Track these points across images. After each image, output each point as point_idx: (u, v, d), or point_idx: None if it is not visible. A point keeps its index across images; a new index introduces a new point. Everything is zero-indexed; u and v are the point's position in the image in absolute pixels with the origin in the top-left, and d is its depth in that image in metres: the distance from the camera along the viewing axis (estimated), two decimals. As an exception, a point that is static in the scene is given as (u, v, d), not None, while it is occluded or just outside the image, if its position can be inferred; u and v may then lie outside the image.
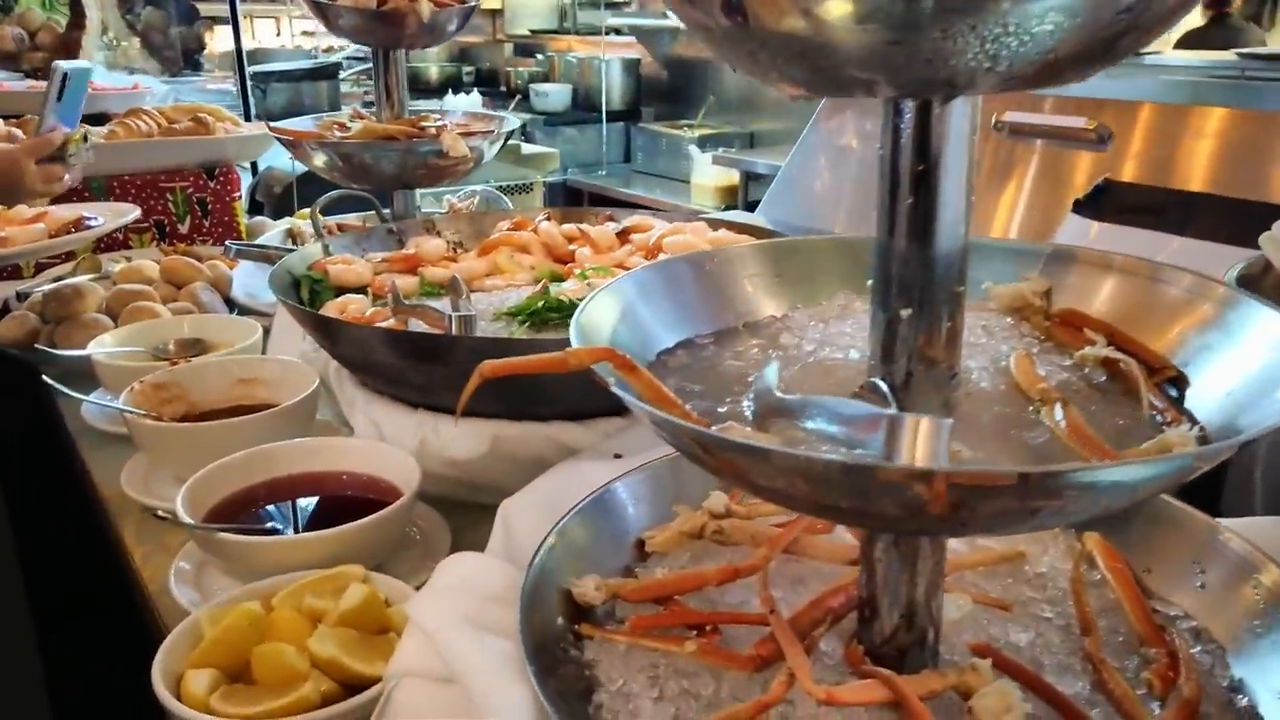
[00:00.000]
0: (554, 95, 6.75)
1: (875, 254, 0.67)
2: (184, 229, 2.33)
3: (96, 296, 1.64)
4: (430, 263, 1.50)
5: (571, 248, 1.55)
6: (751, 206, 5.43)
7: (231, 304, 1.84)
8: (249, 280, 1.95)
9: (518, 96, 6.42)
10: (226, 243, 1.80)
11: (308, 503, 1.12)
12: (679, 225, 1.54)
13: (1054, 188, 1.69)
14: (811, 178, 2.11)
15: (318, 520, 1.07)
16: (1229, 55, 3.74)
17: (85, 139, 1.76)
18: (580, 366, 0.63)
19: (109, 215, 1.76)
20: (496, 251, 1.51)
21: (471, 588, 0.85)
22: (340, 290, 1.41)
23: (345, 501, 1.11)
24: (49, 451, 1.59)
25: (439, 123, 1.84)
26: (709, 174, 5.64)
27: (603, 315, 0.78)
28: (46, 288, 1.68)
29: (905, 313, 0.66)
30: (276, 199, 2.64)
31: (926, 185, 0.63)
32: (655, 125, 6.50)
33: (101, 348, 1.47)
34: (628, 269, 1.40)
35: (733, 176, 5.48)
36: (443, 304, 1.34)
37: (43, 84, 2.05)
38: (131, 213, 1.77)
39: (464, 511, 1.18)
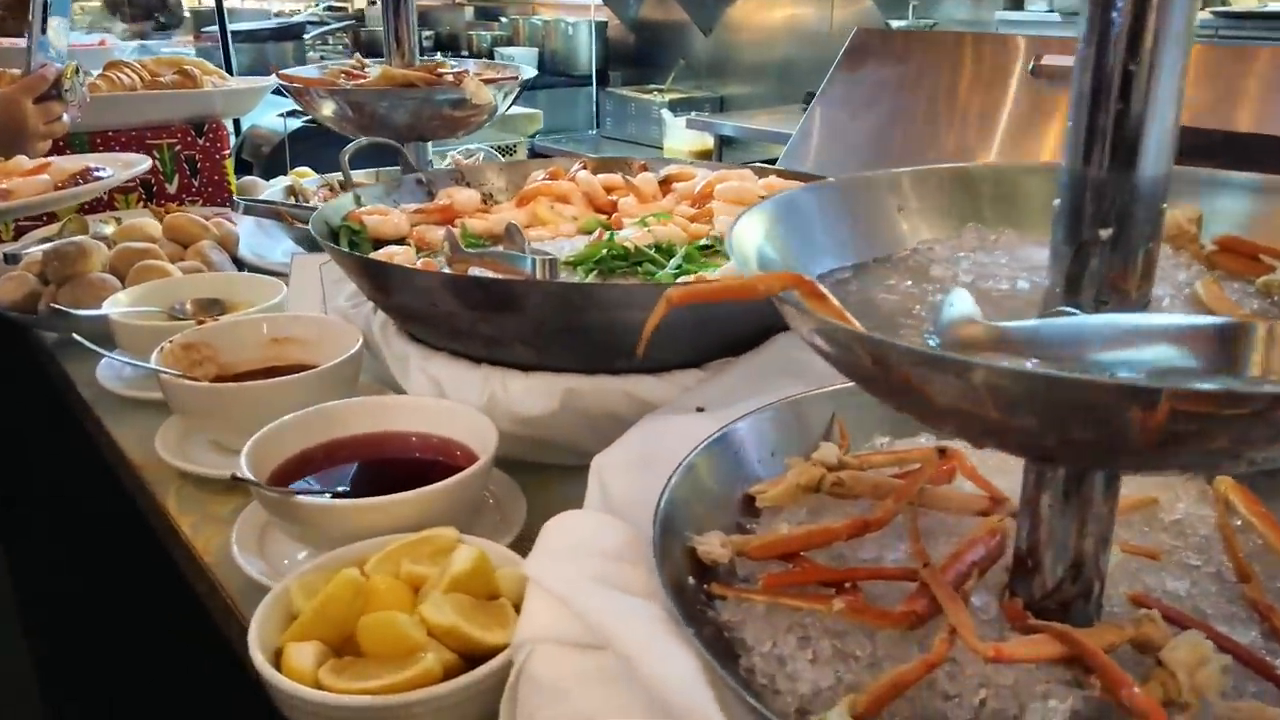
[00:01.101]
0: (520, 58, 6.60)
1: (1066, 172, 0.61)
2: (172, 189, 2.21)
3: (101, 255, 1.54)
4: (466, 214, 1.42)
5: (612, 198, 1.48)
6: (726, 171, 5.40)
7: (239, 263, 1.74)
8: (253, 239, 1.85)
9: (483, 60, 6.27)
10: (234, 198, 1.70)
11: (370, 465, 1.05)
12: (724, 172, 1.47)
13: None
14: (833, 130, 2.05)
15: (388, 483, 1.00)
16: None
17: (78, 71, 1.65)
18: (770, 293, 0.57)
19: (117, 167, 1.65)
20: (535, 202, 1.44)
21: (590, 548, 0.79)
22: (378, 242, 1.32)
23: (413, 464, 1.04)
24: (57, 419, 1.49)
25: (455, 69, 1.75)
26: (682, 138, 5.55)
27: (748, 242, 0.71)
28: (45, 247, 1.57)
29: (1105, 233, 0.60)
30: (266, 158, 2.52)
31: (1137, 88, 0.57)
32: (624, 90, 6.39)
33: (116, 308, 1.38)
34: (662, 213, 1.34)
35: (707, 141, 5.41)
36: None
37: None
38: (141, 163, 1.66)
39: (530, 470, 1.11)
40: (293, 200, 1.99)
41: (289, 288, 1.61)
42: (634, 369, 1.09)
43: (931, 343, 0.64)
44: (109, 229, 1.79)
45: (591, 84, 6.54)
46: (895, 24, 4.88)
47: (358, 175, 2.12)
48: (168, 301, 1.45)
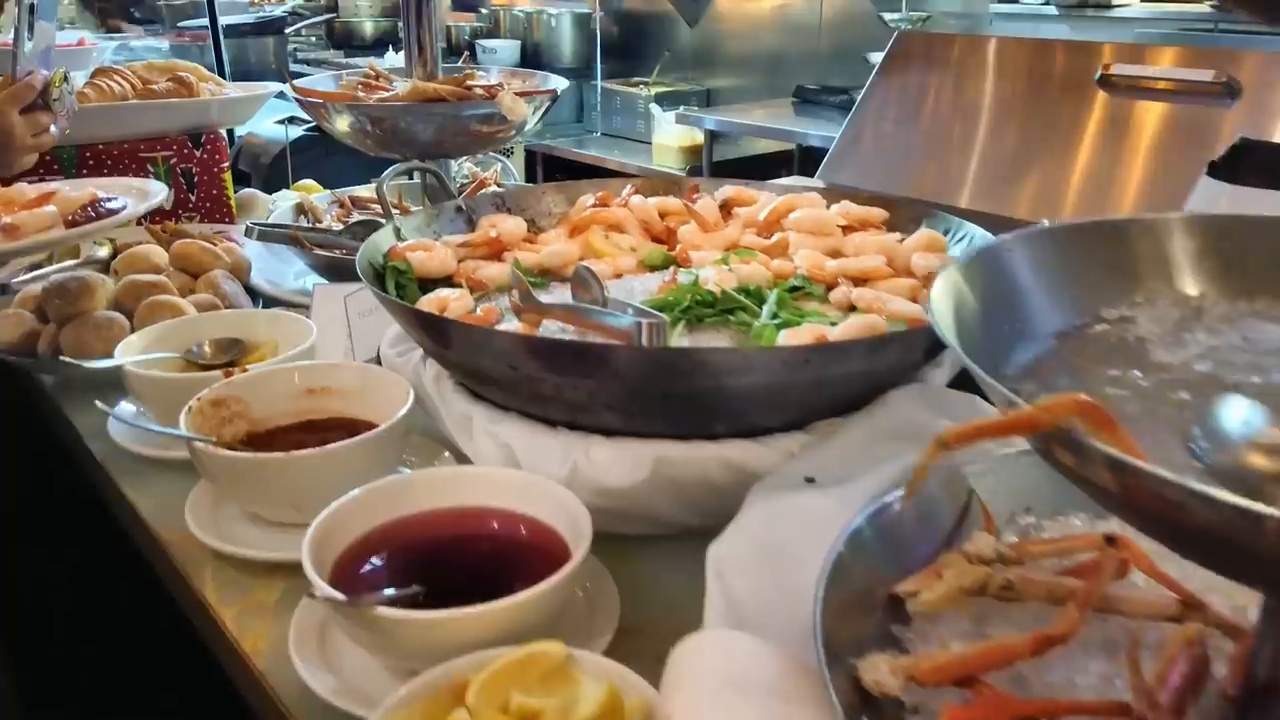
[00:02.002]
0: (503, 52, 6.45)
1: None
2: (166, 205, 2.06)
3: (106, 290, 1.39)
4: (514, 246, 1.30)
5: (666, 222, 1.36)
6: (717, 168, 5.26)
7: (253, 293, 1.60)
8: (264, 264, 1.72)
9: (465, 53, 6.12)
10: (247, 223, 1.56)
11: (445, 553, 0.92)
12: (792, 198, 1.35)
13: (1174, 149, 1.55)
14: (877, 142, 1.94)
15: (469, 577, 0.88)
16: None
17: (66, 78, 1.51)
18: (1052, 425, 0.45)
19: (129, 194, 1.50)
20: (589, 232, 1.31)
21: (743, 682, 0.67)
22: (424, 282, 1.20)
23: (495, 552, 0.92)
24: (64, 478, 1.35)
25: (486, 81, 1.61)
26: (672, 133, 5.42)
27: (945, 309, 0.60)
28: (43, 281, 1.43)
29: None
30: (266, 170, 2.37)
31: None
32: (609, 83, 6.25)
33: (129, 354, 1.24)
34: (743, 250, 1.22)
35: (696, 136, 5.29)
36: (553, 295, 1.15)
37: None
38: (158, 194, 1.51)
39: (610, 543, 0.99)
40: (303, 220, 1.85)
41: (311, 320, 1.48)
42: (732, 433, 0.97)
43: (1204, 461, 0.53)
44: (103, 251, 1.64)
45: (577, 77, 6.39)
46: (889, 16, 4.79)
47: (361, 192, 1.99)
48: (184, 344, 1.31)
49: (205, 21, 3.45)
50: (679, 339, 1.01)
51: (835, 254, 1.24)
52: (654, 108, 5.54)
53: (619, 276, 1.23)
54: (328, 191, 2.00)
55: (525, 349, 0.90)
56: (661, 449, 0.95)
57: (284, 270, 1.75)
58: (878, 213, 1.31)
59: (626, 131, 5.92)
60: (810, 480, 0.94)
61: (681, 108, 5.43)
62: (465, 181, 1.99)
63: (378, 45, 7.13)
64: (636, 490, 0.96)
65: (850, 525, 0.80)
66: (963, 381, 1.06)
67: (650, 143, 5.55)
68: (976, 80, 1.85)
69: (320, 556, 0.85)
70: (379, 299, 1.02)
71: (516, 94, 1.51)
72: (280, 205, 2.12)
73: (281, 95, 2.05)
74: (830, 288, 1.14)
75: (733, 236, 1.31)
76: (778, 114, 5.09)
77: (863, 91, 1.99)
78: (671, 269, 1.16)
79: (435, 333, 0.99)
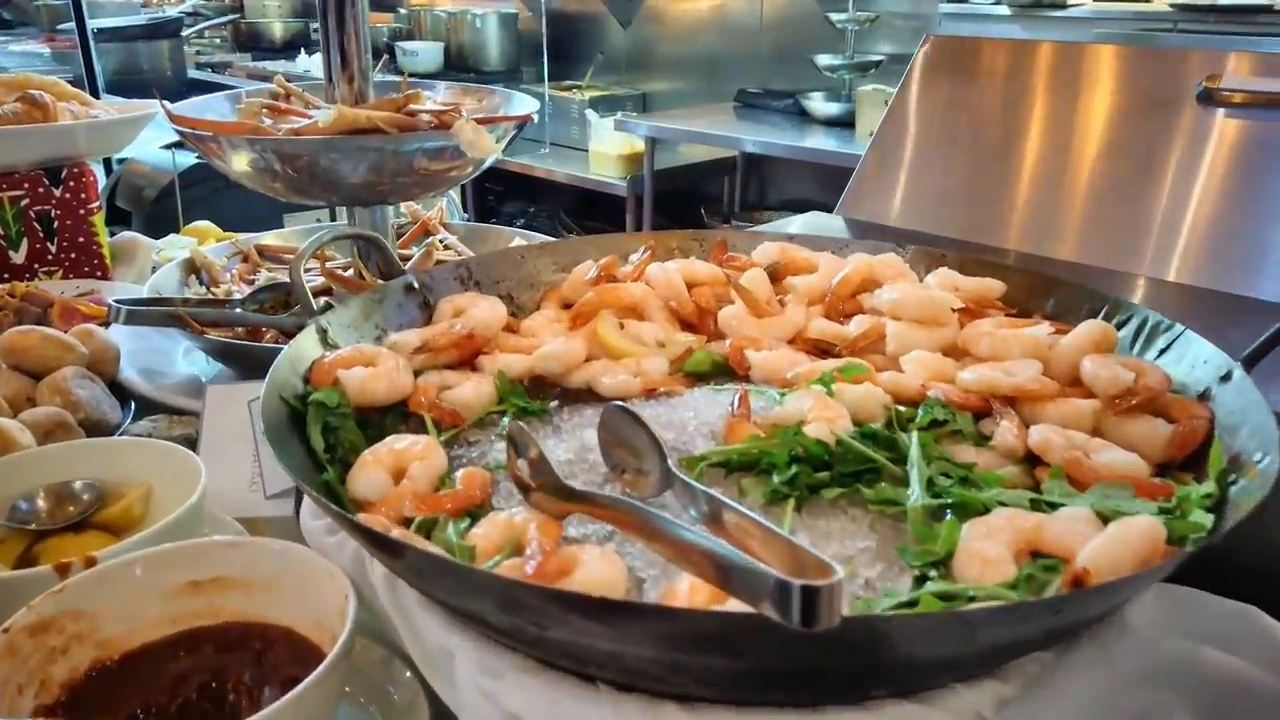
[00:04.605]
0: (424, 54, 6.01)
1: None
2: (18, 258, 1.62)
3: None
4: (490, 342, 0.91)
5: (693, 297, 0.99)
6: (660, 176, 4.90)
7: (122, 394, 1.18)
8: (141, 347, 1.29)
9: (384, 56, 5.68)
10: (111, 301, 1.15)
11: None
12: (869, 264, 0.99)
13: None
14: (910, 170, 1.59)
15: None
16: None
17: None
18: None
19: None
20: (597, 321, 0.93)
21: None
22: (364, 413, 0.80)
23: None
24: None
25: (437, 105, 1.22)
26: (611, 141, 5.05)
27: None
28: None
29: None
30: (150, 206, 1.92)
31: None
32: (539, 87, 5.85)
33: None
34: (851, 365, 0.84)
35: (636, 143, 4.93)
36: (568, 429, 0.77)
37: None
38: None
39: None
40: (195, 280, 1.43)
41: (200, 437, 1.07)
42: (888, 694, 0.60)
43: None
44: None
45: (505, 81, 5.98)
46: (835, 17, 4.51)
47: (272, 238, 1.58)
48: (6, 497, 0.90)
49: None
50: (786, 524, 0.64)
51: (950, 351, 0.88)
52: (590, 114, 5.17)
53: (652, 393, 0.84)
54: (229, 239, 1.57)
55: (580, 611, 0.52)
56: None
57: (169, 352, 1.33)
58: (992, 285, 0.95)
59: (560, 138, 5.53)
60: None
61: (619, 113, 5.07)
62: (401, 223, 1.59)
63: (288, 48, 6.67)
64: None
65: None
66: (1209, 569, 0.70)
67: (586, 150, 5.18)
68: (1028, 94, 1.51)
69: None
70: (338, 520, 0.62)
71: (477, 121, 1.12)
72: (169, 252, 1.69)
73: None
74: (977, 413, 0.78)
75: (796, 323, 0.94)
76: (720, 119, 4.78)
77: (886, 110, 1.64)
78: (740, 391, 0.78)
79: (410, 567, 0.59)
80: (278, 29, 7.19)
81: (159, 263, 1.63)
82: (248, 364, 1.21)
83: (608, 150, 5.14)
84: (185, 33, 3.98)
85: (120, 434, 1.10)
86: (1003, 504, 0.63)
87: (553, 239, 1.21)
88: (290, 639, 0.76)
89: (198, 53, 6.41)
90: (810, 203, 4.95)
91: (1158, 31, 4.66)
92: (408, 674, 0.78)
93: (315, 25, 7.23)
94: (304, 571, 0.76)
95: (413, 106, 1.19)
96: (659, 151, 4.93)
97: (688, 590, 0.55)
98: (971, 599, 0.55)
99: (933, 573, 0.59)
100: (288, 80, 1.44)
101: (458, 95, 1.42)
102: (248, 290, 1.33)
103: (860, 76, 4.52)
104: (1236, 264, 1.32)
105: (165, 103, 1.23)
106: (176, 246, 1.67)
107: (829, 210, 1.63)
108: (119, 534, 0.93)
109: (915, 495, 0.64)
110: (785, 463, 0.66)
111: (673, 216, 4.89)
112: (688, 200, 5.01)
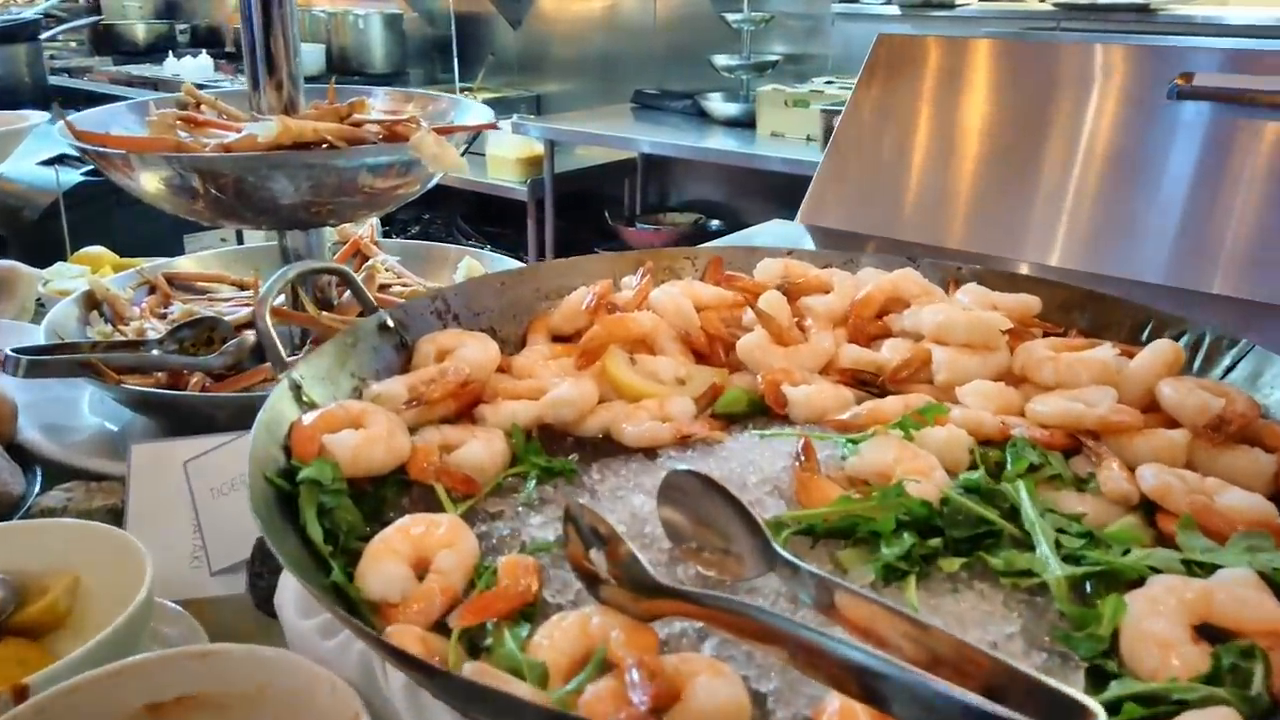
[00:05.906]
0: (306, 57, 5.68)
1: None
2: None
3: None
4: (486, 388, 0.79)
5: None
6: (560, 179, 4.77)
7: (24, 459, 1.01)
8: (41, 398, 1.12)
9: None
10: (6, 351, 0.97)
11: None
12: (891, 280, 0.90)
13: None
14: (866, 173, 1.52)
15: None
16: None
17: None
18: None
19: None
20: (606, 357, 0.82)
21: None
22: (357, 485, 0.67)
23: None
24: None
25: (385, 114, 1.08)
26: (509, 145, 4.90)
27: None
28: None
29: None
30: (30, 231, 1.69)
31: None
32: (430, 90, 5.65)
33: None
34: (932, 405, 0.74)
35: (535, 147, 4.80)
36: (605, 493, 0.65)
37: None
38: None
39: None
40: (100, 318, 1.26)
41: (127, 507, 0.92)
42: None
43: None
44: None
45: (390, 84, 5.75)
46: (730, 17, 4.48)
47: (185, 263, 1.41)
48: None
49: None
50: (909, 600, 0.54)
51: (1002, 378, 0.79)
52: (485, 117, 5.00)
53: (685, 441, 0.73)
54: (131, 268, 1.39)
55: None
56: None
57: (72, 401, 1.16)
58: (1030, 301, 0.87)
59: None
60: None
61: (515, 116, 4.93)
62: (330, 244, 1.43)
63: (153, 51, 6.31)
64: None
65: None
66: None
67: (484, 155, 5.02)
68: (984, 91, 1.46)
69: None
70: (342, 620, 0.49)
71: (438, 132, 0.99)
72: (58, 284, 1.49)
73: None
74: (1067, 450, 0.70)
75: (826, 350, 0.84)
76: (618, 121, 4.70)
77: (842, 113, 1.57)
78: (803, 439, 0.68)
79: (489, 712, 0.47)
80: (140, 31, 6.80)
81: (46, 296, 1.44)
82: (173, 416, 1.05)
83: (505, 154, 4.99)
84: (43, 36, 3.66)
85: (26, 509, 0.93)
86: (1154, 569, 0.54)
87: (522, 263, 1.08)
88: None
89: (52, 57, 5.98)
90: (712, 204, 4.91)
91: (1041, 29, 4.78)
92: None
93: (181, 27, 6.89)
94: (296, 685, 0.63)
95: (357, 116, 1.04)
96: (558, 154, 4.82)
97: (838, 712, 0.45)
98: (1181, 704, 0.46)
99: (1108, 663, 0.50)
100: (197, 90, 1.27)
101: (400, 102, 1.28)
102: (163, 328, 1.17)
103: (758, 76, 4.49)
104: (1207, 261, 1.29)
105: (68, 117, 1.05)
106: (67, 276, 1.47)
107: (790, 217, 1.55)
108: (41, 637, 0.78)
109: (1052, 565, 0.54)
110: (891, 529, 0.56)
111: (574, 220, 4.78)
112: (589, 203, 4.90)
